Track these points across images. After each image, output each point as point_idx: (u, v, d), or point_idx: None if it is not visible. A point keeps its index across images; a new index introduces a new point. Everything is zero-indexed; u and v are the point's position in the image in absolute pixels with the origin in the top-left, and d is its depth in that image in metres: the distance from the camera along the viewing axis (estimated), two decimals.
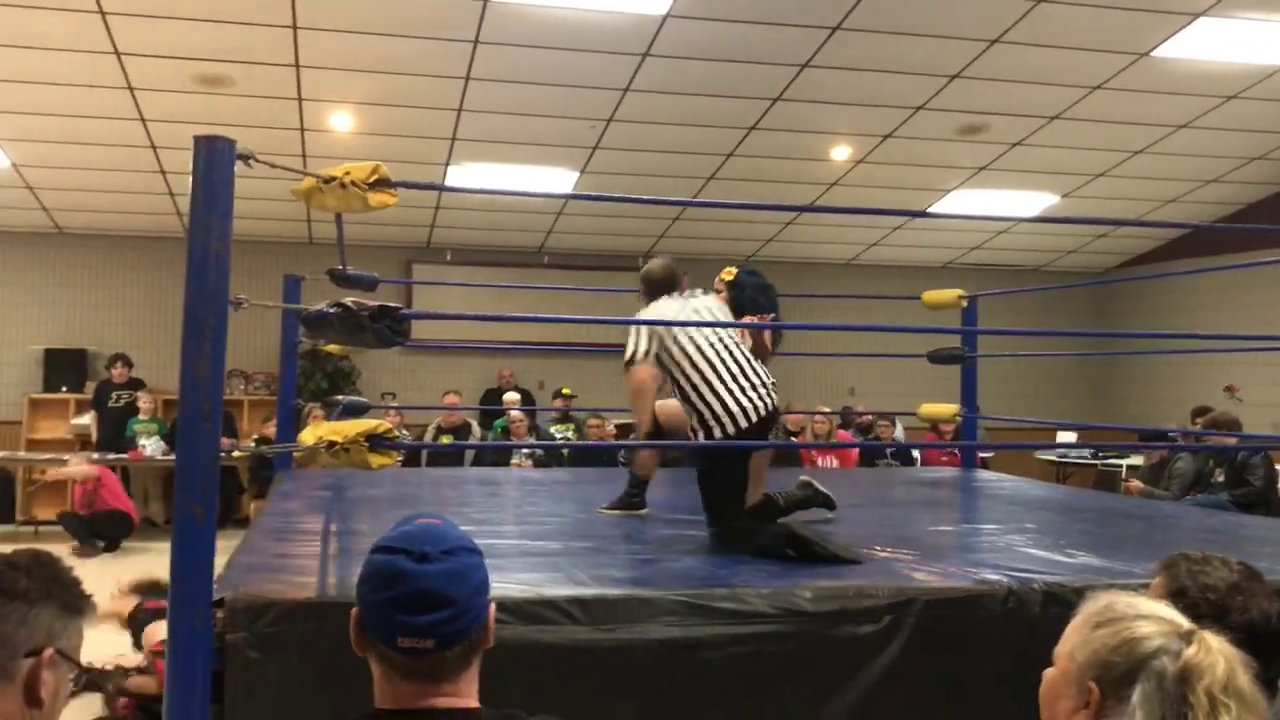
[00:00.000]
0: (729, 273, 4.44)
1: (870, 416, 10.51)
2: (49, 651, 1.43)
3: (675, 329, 3.95)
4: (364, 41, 7.37)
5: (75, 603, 1.50)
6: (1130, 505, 5.90)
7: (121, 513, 9.44)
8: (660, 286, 4.37)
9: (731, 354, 3.92)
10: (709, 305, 4.18)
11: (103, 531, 9.29)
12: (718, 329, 3.98)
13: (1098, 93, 8.38)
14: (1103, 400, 13.56)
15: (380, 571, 1.51)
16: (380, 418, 4.40)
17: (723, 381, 3.84)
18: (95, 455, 9.87)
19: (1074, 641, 1.48)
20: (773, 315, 4.34)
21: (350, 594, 2.65)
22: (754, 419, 3.80)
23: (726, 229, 11.79)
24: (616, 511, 4.52)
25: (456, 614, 1.48)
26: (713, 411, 3.83)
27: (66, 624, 1.48)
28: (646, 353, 4.02)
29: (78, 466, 9.39)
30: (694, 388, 3.88)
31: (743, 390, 3.83)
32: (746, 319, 4.26)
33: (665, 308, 4.17)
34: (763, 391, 3.87)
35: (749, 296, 4.34)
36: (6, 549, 1.57)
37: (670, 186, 9.98)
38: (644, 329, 4.05)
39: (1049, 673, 1.51)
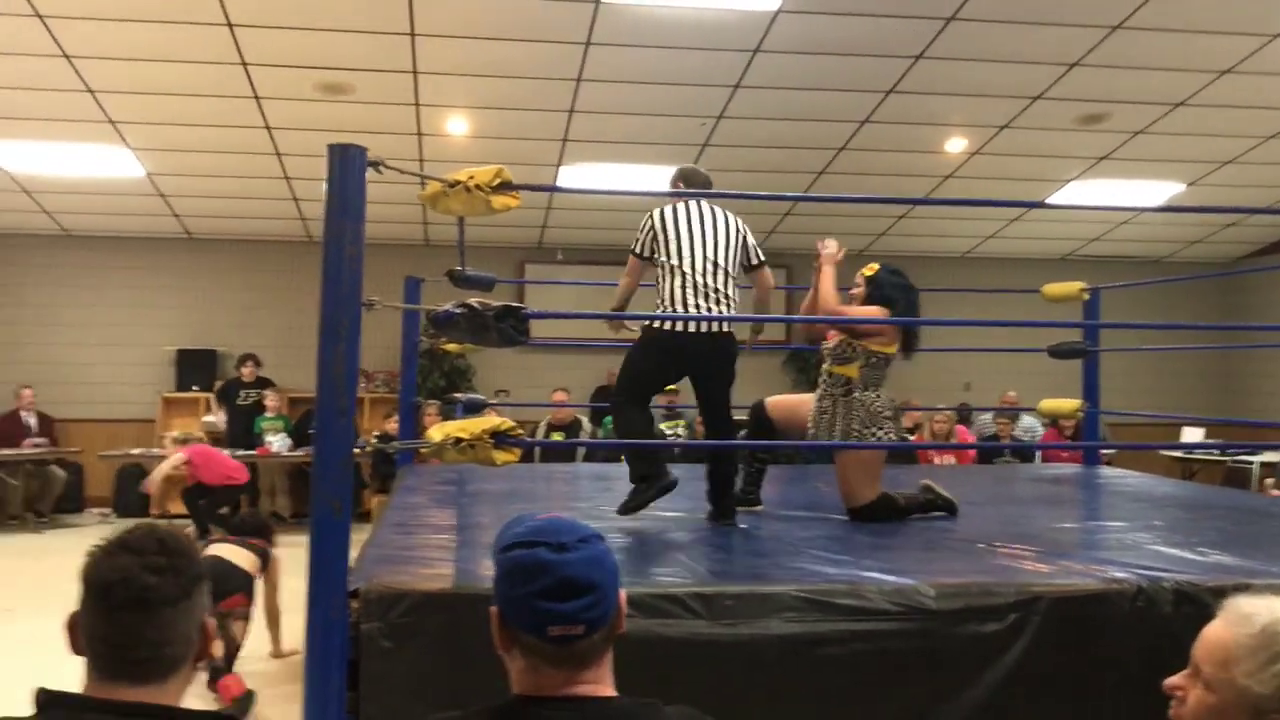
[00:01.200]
0: (871, 268, 4.46)
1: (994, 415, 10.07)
2: (212, 623, 1.62)
3: (672, 231, 4.16)
4: (479, 46, 7.51)
5: (203, 570, 1.63)
6: (1266, 503, 5.69)
7: (225, 487, 9.29)
8: (690, 179, 4.49)
9: (711, 269, 4.15)
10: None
11: (220, 502, 9.31)
12: (718, 247, 4.19)
13: (1225, 77, 8.09)
14: (1231, 396, 13.07)
15: (522, 565, 1.55)
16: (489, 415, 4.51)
17: (684, 287, 4.10)
18: (176, 434, 9.83)
19: (1247, 668, 1.36)
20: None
21: (477, 585, 2.75)
22: (689, 328, 4.08)
23: (838, 224, 11.68)
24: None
25: (599, 598, 1.53)
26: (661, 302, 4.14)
27: (206, 589, 1.63)
28: (633, 249, 4.29)
29: (165, 463, 9.32)
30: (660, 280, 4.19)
31: (695, 300, 4.10)
32: (872, 309, 4.37)
33: (681, 208, 4.27)
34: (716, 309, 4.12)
35: (885, 294, 4.37)
36: None
37: (781, 182, 9.94)
38: (642, 229, 4.23)
39: (1204, 697, 1.41)
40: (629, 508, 4.07)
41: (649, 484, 4.06)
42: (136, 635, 1.51)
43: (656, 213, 4.25)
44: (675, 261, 4.13)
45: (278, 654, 6.00)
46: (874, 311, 4.34)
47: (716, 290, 4.13)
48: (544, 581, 1.51)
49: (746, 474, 4.62)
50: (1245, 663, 1.37)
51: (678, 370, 4.28)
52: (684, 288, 4.10)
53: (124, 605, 1.50)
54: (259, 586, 5.86)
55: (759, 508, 4.56)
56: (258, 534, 6.03)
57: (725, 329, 4.16)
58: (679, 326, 4.10)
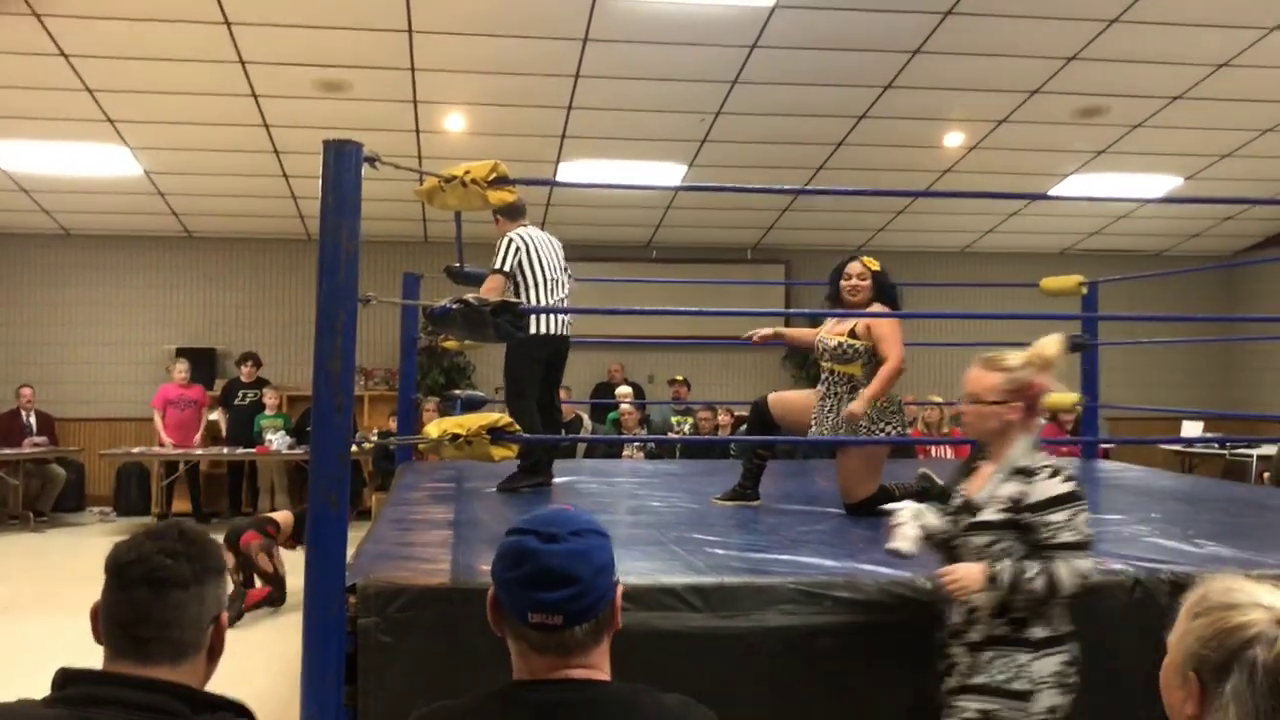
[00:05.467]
0: (874, 263, 4.46)
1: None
2: (224, 615, 1.64)
3: (534, 255, 4.92)
4: (476, 43, 7.52)
5: (222, 563, 1.68)
6: (1262, 495, 5.70)
7: None
8: (521, 210, 5.12)
9: (560, 282, 5.05)
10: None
11: None
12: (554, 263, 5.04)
13: (1223, 70, 8.09)
14: (1232, 389, 13.08)
15: (511, 551, 1.58)
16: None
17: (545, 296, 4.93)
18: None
19: (1178, 632, 1.43)
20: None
21: (475, 580, 2.77)
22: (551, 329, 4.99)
23: (836, 219, 11.70)
24: (731, 502, 4.55)
25: (581, 592, 1.54)
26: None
27: (223, 586, 1.68)
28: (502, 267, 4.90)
29: None
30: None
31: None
32: (876, 308, 4.39)
33: (532, 231, 5.07)
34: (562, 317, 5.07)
35: (889, 295, 4.46)
36: None
37: (779, 177, 9.94)
38: (509, 249, 4.91)
39: (1164, 662, 1.48)
40: (503, 488, 4.90)
41: (530, 476, 4.92)
42: (145, 613, 1.55)
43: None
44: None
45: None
46: (891, 330, 4.35)
47: None
48: (526, 569, 1.55)
49: (745, 470, 4.63)
50: (1178, 626, 1.43)
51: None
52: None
53: (136, 583, 1.56)
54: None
55: (757, 503, 4.57)
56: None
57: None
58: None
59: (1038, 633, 2.59)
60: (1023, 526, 2.61)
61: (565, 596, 1.53)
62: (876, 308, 4.40)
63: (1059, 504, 2.60)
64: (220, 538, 6.18)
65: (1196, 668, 1.37)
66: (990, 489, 2.69)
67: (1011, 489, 2.64)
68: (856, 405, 4.24)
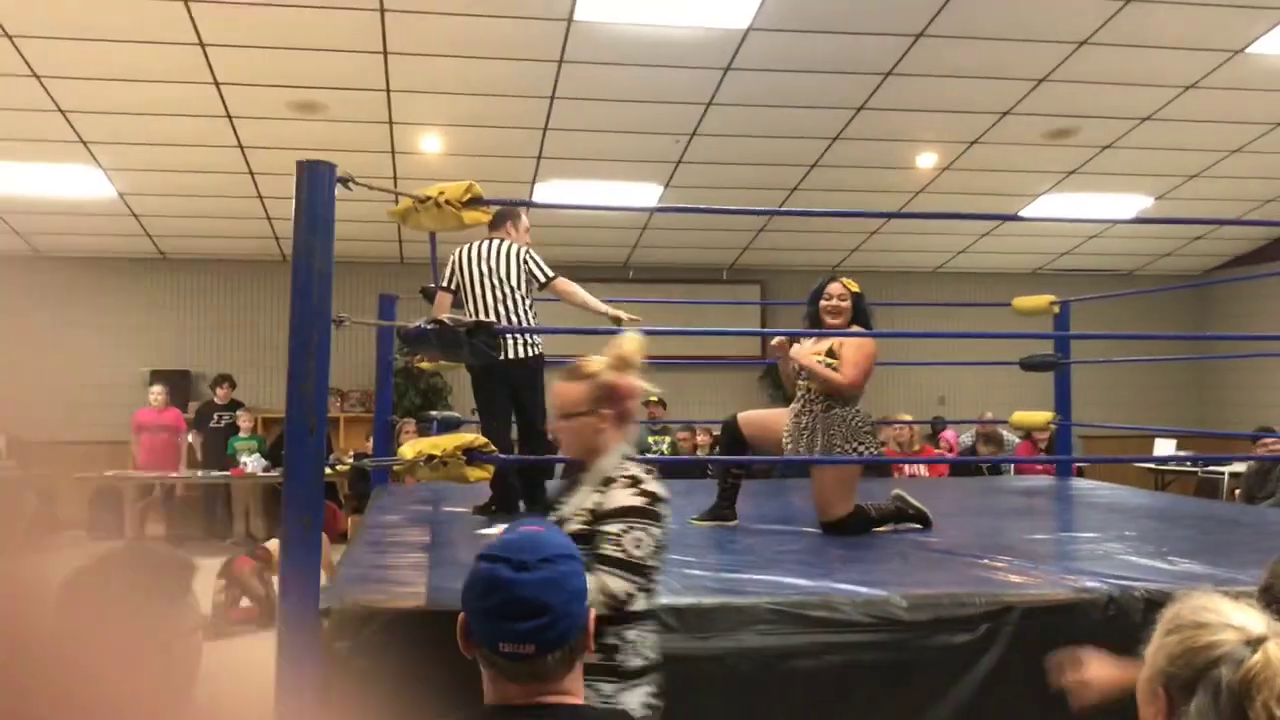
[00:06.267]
0: (854, 284, 4.50)
1: (993, 428, 9.91)
2: (198, 631, 1.67)
3: (474, 270, 4.76)
4: (452, 64, 7.53)
5: (190, 590, 1.69)
6: (1235, 512, 5.75)
7: None
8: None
9: (511, 298, 4.82)
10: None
11: None
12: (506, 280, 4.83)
13: (1190, 92, 8.20)
14: (1204, 407, 13.20)
15: (482, 580, 1.57)
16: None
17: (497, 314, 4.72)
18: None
19: (1152, 646, 1.45)
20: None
21: (450, 603, 2.75)
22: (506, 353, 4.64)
23: (811, 240, 11.76)
24: (709, 523, 4.55)
25: (553, 621, 1.53)
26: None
27: (188, 602, 1.68)
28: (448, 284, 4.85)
29: None
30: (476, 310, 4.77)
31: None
32: (855, 328, 4.45)
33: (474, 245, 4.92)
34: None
35: (866, 315, 4.52)
36: None
37: (754, 199, 9.98)
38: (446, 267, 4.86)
39: (1140, 675, 1.49)
40: (479, 511, 4.76)
41: (503, 510, 4.69)
42: None
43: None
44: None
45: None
46: (872, 353, 4.38)
47: None
48: (496, 599, 1.54)
49: (721, 490, 4.64)
50: (1153, 641, 1.45)
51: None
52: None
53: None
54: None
55: (734, 523, 4.57)
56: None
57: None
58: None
59: (629, 662, 2.39)
60: (590, 537, 2.42)
61: (537, 627, 1.52)
62: (856, 329, 4.44)
63: (620, 516, 2.42)
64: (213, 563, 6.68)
65: (1165, 684, 1.39)
66: (578, 501, 2.53)
67: (595, 499, 2.48)
68: (796, 350, 4.40)
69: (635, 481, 2.46)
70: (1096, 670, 2.36)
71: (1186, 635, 1.40)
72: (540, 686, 1.54)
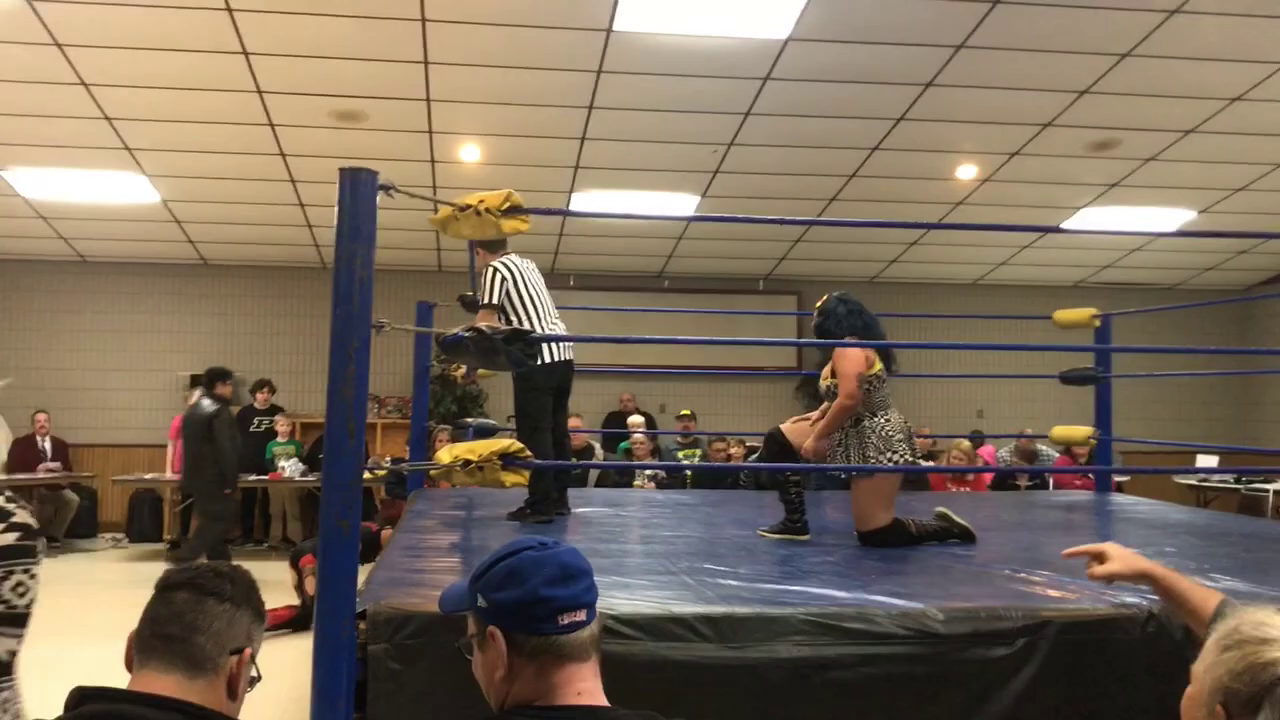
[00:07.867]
0: (819, 300, 4.55)
1: (1031, 443, 9.79)
2: (248, 651, 1.66)
3: (521, 283, 4.93)
4: (491, 74, 7.58)
5: (262, 610, 1.73)
6: (1278, 530, 5.65)
7: None
8: (502, 241, 5.06)
9: (550, 305, 5.09)
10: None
11: None
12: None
13: (1236, 104, 8.10)
14: (1246, 423, 13.02)
15: (521, 564, 1.59)
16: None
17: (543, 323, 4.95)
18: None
19: (1206, 662, 1.41)
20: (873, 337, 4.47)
21: None
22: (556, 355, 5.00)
23: (849, 250, 11.72)
24: (778, 535, 4.49)
25: (592, 584, 1.62)
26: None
27: (257, 629, 1.70)
28: (490, 300, 4.87)
29: None
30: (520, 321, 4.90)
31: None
32: (849, 338, 4.40)
33: (514, 259, 5.06)
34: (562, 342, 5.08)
35: (836, 322, 4.48)
36: (159, 567, 1.75)
37: (791, 209, 9.97)
38: (495, 281, 4.88)
39: (1188, 691, 1.46)
40: (513, 516, 4.85)
41: (537, 513, 4.81)
42: (179, 611, 1.61)
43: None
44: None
45: None
46: (856, 359, 4.33)
47: None
48: (547, 571, 1.57)
49: (787, 503, 4.54)
50: (1206, 657, 1.42)
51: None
52: None
53: (181, 586, 1.65)
54: None
55: (806, 536, 4.45)
56: None
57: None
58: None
59: None
60: None
61: (585, 587, 1.59)
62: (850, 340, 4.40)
63: None
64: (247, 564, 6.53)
65: (1225, 700, 1.35)
66: None
67: None
68: (809, 443, 4.37)
69: (5, 516, 1.94)
70: (1117, 559, 2.38)
71: (1249, 650, 1.36)
72: (581, 671, 1.56)
